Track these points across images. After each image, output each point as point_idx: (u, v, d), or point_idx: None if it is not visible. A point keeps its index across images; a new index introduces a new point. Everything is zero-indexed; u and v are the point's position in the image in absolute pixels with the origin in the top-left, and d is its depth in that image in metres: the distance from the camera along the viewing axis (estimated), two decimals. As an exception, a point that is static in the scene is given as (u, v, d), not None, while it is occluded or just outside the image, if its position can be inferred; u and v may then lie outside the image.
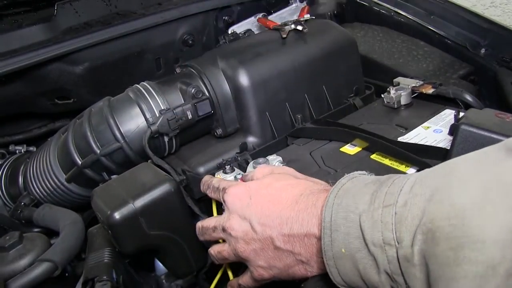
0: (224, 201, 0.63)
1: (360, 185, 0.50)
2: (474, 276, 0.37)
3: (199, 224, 0.68)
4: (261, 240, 0.57)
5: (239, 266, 0.79)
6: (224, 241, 0.64)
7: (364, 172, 0.55)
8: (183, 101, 0.88)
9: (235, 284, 0.68)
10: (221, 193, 0.64)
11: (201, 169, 0.85)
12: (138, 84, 0.91)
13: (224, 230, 0.62)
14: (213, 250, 0.66)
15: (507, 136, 0.62)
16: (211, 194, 0.68)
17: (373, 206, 0.46)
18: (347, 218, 0.48)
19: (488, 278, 0.36)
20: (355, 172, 0.54)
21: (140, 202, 0.70)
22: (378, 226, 0.45)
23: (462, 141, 0.66)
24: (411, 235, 0.42)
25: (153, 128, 0.83)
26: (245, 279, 0.65)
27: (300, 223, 0.54)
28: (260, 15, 1.22)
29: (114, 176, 0.87)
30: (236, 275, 0.74)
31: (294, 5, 1.30)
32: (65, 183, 0.96)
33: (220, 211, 0.66)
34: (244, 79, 0.89)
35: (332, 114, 0.96)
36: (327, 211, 0.50)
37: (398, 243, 0.43)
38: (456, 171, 0.43)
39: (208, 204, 0.75)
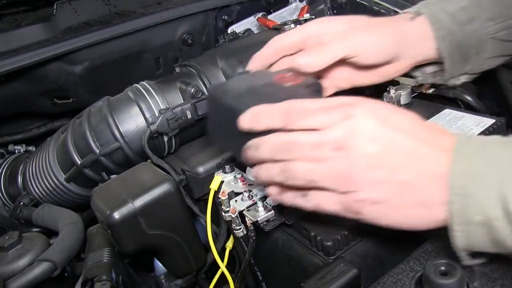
0: (349, 116, 0.50)
1: (490, 145, 0.48)
2: None
3: (284, 137, 0.52)
4: (388, 170, 0.49)
5: (239, 266, 0.79)
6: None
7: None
8: (182, 101, 0.88)
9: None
10: (344, 108, 0.51)
11: (201, 169, 0.85)
12: (138, 83, 0.91)
13: (340, 148, 0.49)
14: (300, 166, 0.51)
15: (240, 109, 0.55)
16: (294, 120, 0.52)
17: None
18: (484, 185, 0.45)
19: None
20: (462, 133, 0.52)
21: (139, 202, 0.70)
22: None
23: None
24: None
25: (153, 127, 0.83)
26: (329, 201, 0.52)
27: (437, 163, 0.49)
28: (259, 15, 1.21)
29: (113, 176, 0.87)
30: (235, 275, 0.74)
31: (293, 4, 1.29)
32: (64, 183, 0.96)
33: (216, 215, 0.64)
34: (243, 79, 0.89)
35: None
36: (455, 174, 0.47)
37: None
38: None
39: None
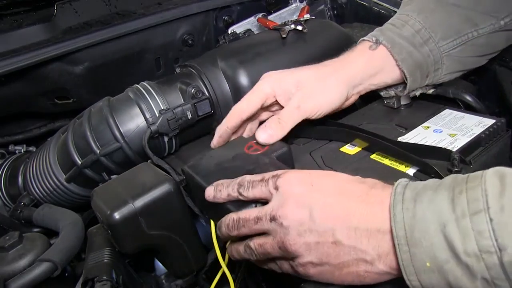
0: (277, 187, 0.56)
1: (426, 192, 0.48)
2: None
3: (233, 216, 0.60)
4: (318, 232, 0.52)
5: (239, 266, 0.79)
6: (263, 234, 0.59)
7: (405, 178, 0.53)
8: (183, 101, 0.88)
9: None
10: (272, 180, 0.57)
11: (201, 169, 0.85)
12: (138, 84, 0.91)
13: (273, 219, 0.54)
14: (254, 243, 0.58)
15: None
16: (243, 191, 0.60)
17: (456, 215, 0.44)
18: (427, 231, 0.46)
19: None
20: (400, 180, 0.52)
21: (140, 202, 0.70)
22: (470, 235, 0.43)
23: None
24: None
25: (153, 128, 0.83)
26: (284, 267, 0.59)
27: (372, 218, 0.50)
28: (260, 15, 1.21)
29: (114, 176, 0.87)
30: (235, 275, 0.74)
31: (294, 5, 1.30)
32: (65, 183, 0.96)
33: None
34: (244, 79, 0.89)
35: (331, 114, 0.96)
36: (397, 225, 0.47)
37: (500, 250, 0.42)
38: None
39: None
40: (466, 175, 0.47)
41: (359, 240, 0.50)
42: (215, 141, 0.82)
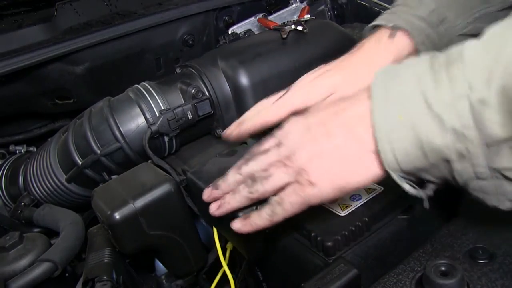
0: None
1: (407, 63, 0.49)
2: None
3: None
4: (313, 129, 0.55)
5: (239, 266, 0.79)
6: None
7: None
8: (183, 101, 0.88)
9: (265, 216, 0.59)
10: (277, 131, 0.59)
11: (201, 169, 0.85)
12: (138, 84, 0.92)
13: (278, 144, 0.57)
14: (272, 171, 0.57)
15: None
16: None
17: (434, 69, 0.45)
18: (402, 85, 0.47)
19: None
20: None
21: (140, 202, 0.70)
22: (445, 83, 0.43)
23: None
24: (486, 74, 0.41)
25: (153, 128, 0.83)
26: (287, 195, 0.56)
27: (356, 101, 0.53)
28: (260, 15, 1.21)
29: (114, 176, 0.87)
30: (236, 275, 0.74)
31: (294, 5, 1.29)
32: (65, 183, 0.96)
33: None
34: (244, 79, 0.89)
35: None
36: (377, 82, 0.49)
37: (470, 88, 0.42)
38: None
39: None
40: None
41: (352, 119, 0.53)
42: (231, 135, 0.76)
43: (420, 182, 0.51)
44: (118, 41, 1.09)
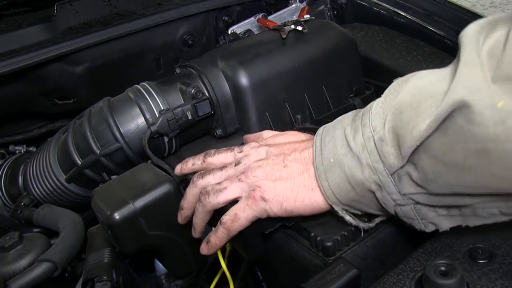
0: (241, 150, 0.67)
1: (339, 119, 0.62)
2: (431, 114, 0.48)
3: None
4: (273, 161, 0.63)
5: (239, 266, 0.79)
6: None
7: None
8: (183, 102, 0.88)
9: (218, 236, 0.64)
10: (238, 147, 0.68)
11: (201, 170, 0.85)
12: (138, 84, 0.91)
13: (237, 163, 0.65)
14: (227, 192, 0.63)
15: None
16: (208, 157, 0.69)
17: (354, 121, 0.58)
18: (333, 135, 0.59)
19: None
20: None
21: (140, 203, 0.70)
22: (359, 129, 0.56)
23: None
24: (383, 120, 0.53)
25: (153, 128, 0.83)
26: (240, 208, 0.62)
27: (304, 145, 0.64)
28: (260, 15, 1.21)
29: (114, 177, 0.87)
30: (235, 275, 0.74)
31: (294, 5, 1.29)
32: (65, 183, 0.96)
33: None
34: (244, 80, 0.89)
35: (332, 114, 0.96)
36: (317, 139, 0.61)
37: (373, 131, 0.54)
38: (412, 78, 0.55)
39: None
40: None
41: (295, 160, 0.63)
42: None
43: (369, 215, 0.61)
44: (118, 41, 1.09)
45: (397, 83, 0.56)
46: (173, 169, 0.84)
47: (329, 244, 0.62)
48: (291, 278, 0.70)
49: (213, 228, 0.71)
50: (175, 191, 0.73)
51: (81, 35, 1.05)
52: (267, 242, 0.69)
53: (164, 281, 0.89)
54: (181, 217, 0.70)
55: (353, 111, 0.61)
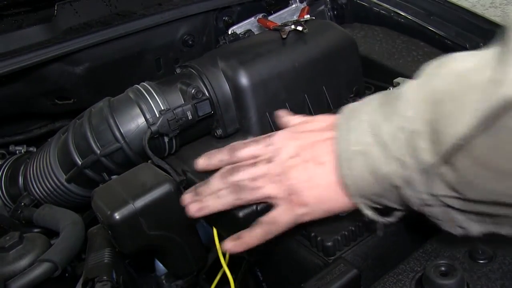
0: (271, 142, 0.62)
1: (364, 101, 0.57)
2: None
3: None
4: (306, 152, 0.59)
5: (239, 266, 0.79)
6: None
7: None
8: (183, 102, 0.88)
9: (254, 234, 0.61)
10: (265, 139, 0.63)
11: (201, 170, 0.85)
12: (138, 84, 0.92)
13: (270, 158, 0.60)
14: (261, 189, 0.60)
15: None
16: (236, 151, 0.64)
17: (382, 106, 0.52)
18: (360, 120, 0.54)
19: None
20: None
21: (140, 203, 0.70)
22: (389, 116, 0.50)
23: None
24: (418, 108, 0.48)
25: (153, 128, 0.83)
26: (281, 213, 0.59)
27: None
28: (260, 16, 1.21)
29: (114, 177, 0.87)
30: (235, 275, 0.74)
31: (294, 5, 1.29)
32: (65, 183, 0.96)
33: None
34: (244, 80, 0.89)
35: (332, 114, 0.96)
36: (342, 121, 0.56)
37: (407, 121, 0.48)
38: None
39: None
40: None
41: (320, 151, 0.59)
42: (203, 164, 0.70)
43: (388, 210, 0.56)
44: (118, 41, 1.09)
45: (432, 65, 0.51)
46: (173, 169, 0.84)
47: (329, 244, 0.62)
48: (291, 278, 0.70)
49: (213, 228, 0.71)
50: (175, 191, 0.73)
51: (82, 35, 1.05)
52: (267, 242, 0.69)
53: (164, 281, 0.89)
54: (196, 208, 0.63)
55: (382, 92, 0.56)
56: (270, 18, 1.23)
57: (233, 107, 0.91)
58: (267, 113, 0.91)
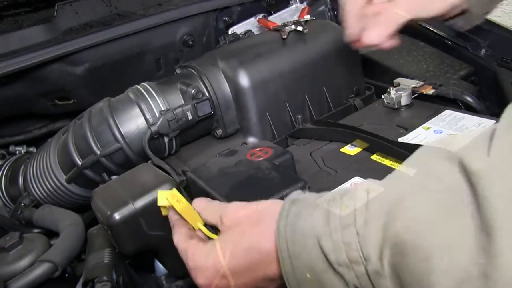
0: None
1: (307, 208, 0.50)
2: (449, 282, 0.37)
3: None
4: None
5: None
6: None
7: (300, 192, 0.55)
8: (183, 102, 0.88)
9: None
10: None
11: (201, 170, 0.85)
12: (138, 84, 0.92)
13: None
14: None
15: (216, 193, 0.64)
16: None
17: (330, 229, 0.46)
18: (306, 245, 0.48)
19: (464, 281, 0.36)
20: (294, 193, 0.54)
21: (140, 203, 0.70)
22: (341, 247, 0.45)
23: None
24: (378, 251, 0.43)
25: (153, 128, 0.83)
26: None
27: (262, 236, 0.53)
28: (260, 16, 1.22)
29: (114, 177, 0.87)
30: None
31: (294, 5, 1.29)
32: (65, 183, 0.96)
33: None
34: (244, 80, 0.89)
35: (332, 114, 0.96)
36: (281, 241, 0.49)
37: (365, 260, 0.43)
38: (406, 182, 0.44)
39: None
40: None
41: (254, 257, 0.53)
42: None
43: None
44: (118, 41, 1.09)
45: (378, 188, 0.45)
46: (173, 169, 0.84)
47: (329, 244, 0.62)
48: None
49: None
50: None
51: (82, 35, 1.05)
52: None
53: (164, 281, 0.89)
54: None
55: (325, 199, 0.50)
56: (270, 18, 1.23)
57: (233, 107, 0.91)
58: (267, 114, 0.91)
